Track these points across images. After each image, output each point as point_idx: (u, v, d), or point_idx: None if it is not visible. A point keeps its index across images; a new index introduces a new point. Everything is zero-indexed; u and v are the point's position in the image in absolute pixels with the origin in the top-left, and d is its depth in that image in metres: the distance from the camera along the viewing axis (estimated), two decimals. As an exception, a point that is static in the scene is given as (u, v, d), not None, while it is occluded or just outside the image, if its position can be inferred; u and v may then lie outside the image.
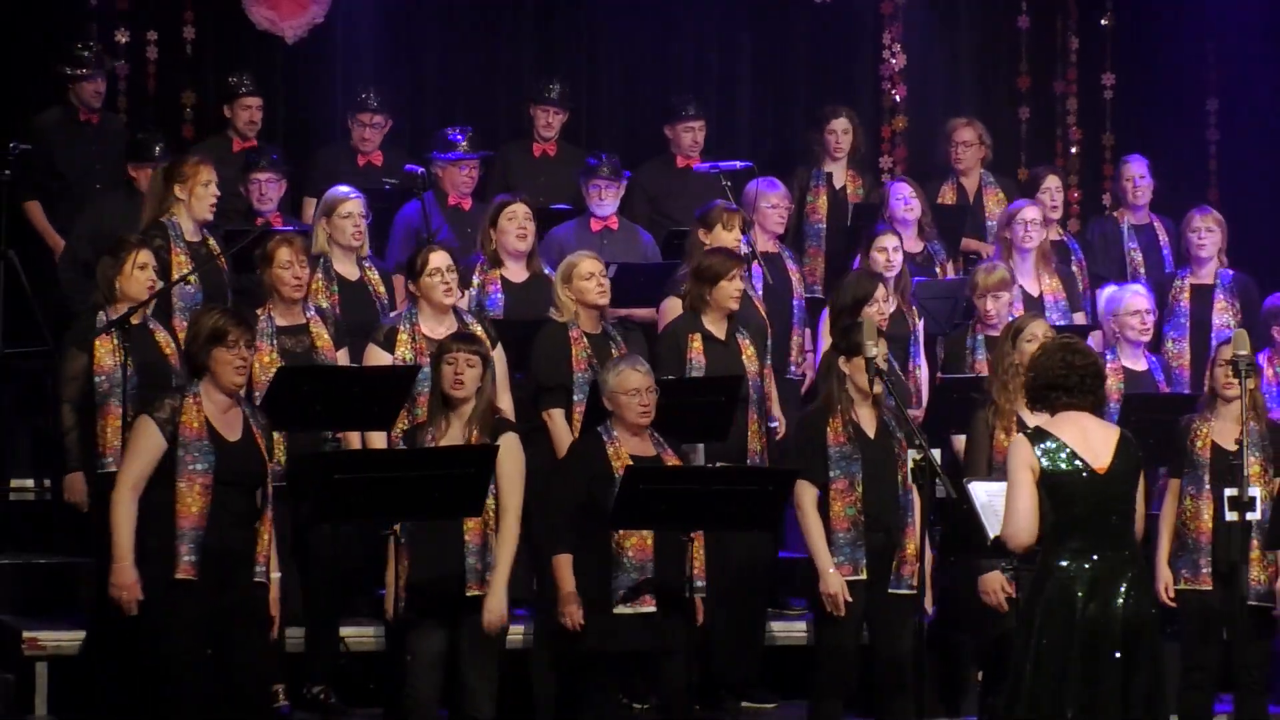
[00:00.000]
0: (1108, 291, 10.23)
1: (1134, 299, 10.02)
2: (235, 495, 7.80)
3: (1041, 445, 7.04)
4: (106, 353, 8.67)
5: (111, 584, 7.76)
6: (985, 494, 7.64)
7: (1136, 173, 11.59)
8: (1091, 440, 7.05)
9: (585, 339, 9.20)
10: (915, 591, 8.24)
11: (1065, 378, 7.09)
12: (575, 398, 9.11)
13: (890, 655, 8.53)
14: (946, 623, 9.34)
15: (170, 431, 7.77)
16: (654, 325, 10.05)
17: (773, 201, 10.63)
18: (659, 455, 8.44)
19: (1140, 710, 6.97)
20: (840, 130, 11.59)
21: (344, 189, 9.82)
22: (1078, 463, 7.01)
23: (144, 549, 7.78)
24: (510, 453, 8.25)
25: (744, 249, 9.81)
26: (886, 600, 8.48)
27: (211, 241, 9.60)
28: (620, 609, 8.24)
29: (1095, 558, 6.98)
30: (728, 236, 9.83)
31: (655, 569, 8.27)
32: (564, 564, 8.32)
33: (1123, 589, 6.97)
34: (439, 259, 9.11)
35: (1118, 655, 6.94)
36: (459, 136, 10.90)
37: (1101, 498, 7.02)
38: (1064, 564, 7.00)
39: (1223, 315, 10.76)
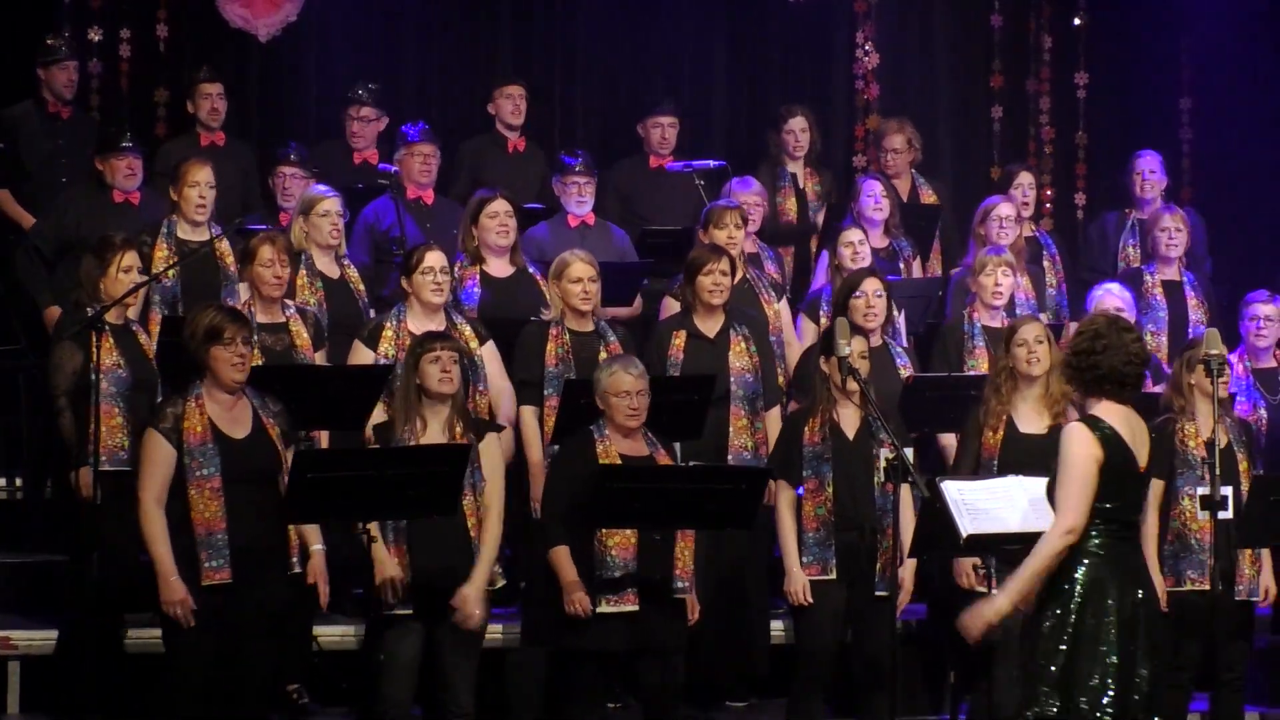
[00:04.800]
0: (1096, 291, 10.26)
1: (1107, 297, 10.04)
2: (253, 491, 7.81)
3: (1100, 432, 6.87)
4: (105, 351, 8.61)
5: (162, 601, 7.72)
6: (957, 491, 7.66)
7: (1146, 167, 11.58)
8: (1135, 435, 6.94)
9: (566, 336, 9.16)
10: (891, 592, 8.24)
11: (1129, 373, 6.92)
12: (545, 392, 9.08)
13: (869, 655, 8.55)
14: (926, 621, 9.36)
15: (175, 439, 7.78)
16: (642, 324, 10.08)
17: (747, 200, 10.63)
18: (651, 455, 8.39)
19: (1146, 705, 6.93)
20: (798, 129, 11.59)
21: (321, 188, 9.85)
22: (1128, 456, 6.91)
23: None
24: (493, 451, 8.26)
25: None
26: (868, 600, 8.50)
27: (222, 243, 9.62)
28: (603, 608, 8.22)
29: (1118, 551, 6.88)
30: (720, 234, 9.84)
31: (638, 568, 8.25)
32: (563, 555, 8.26)
33: (1136, 584, 6.89)
34: (434, 258, 9.11)
35: (1133, 648, 6.90)
36: (414, 130, 10.92)
37: (1132, 494, 6.96)
38: (1097, 550, 6.83)
39: (1196, 312, 10.82)
